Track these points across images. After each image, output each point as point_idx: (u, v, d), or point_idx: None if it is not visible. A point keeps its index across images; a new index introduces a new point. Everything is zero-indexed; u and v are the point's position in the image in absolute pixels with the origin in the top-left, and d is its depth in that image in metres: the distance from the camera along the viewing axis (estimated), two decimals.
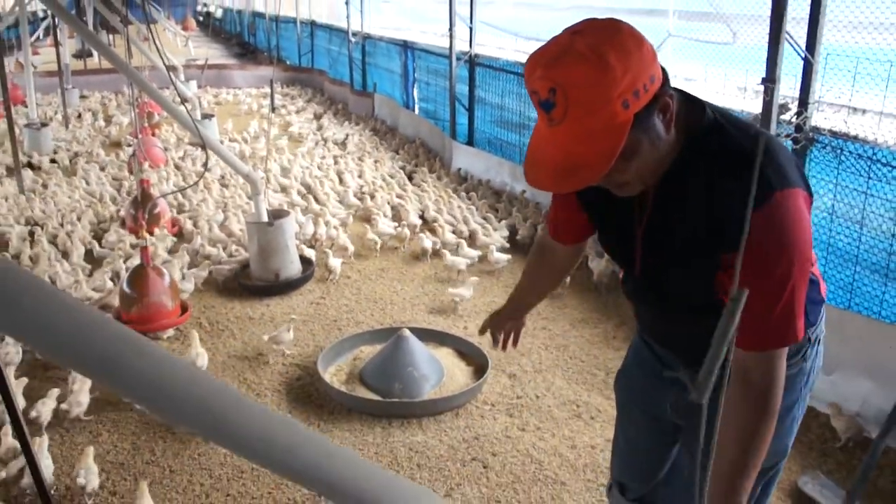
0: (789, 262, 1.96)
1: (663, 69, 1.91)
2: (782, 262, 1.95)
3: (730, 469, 2.06)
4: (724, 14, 6.97)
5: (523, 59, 10.48)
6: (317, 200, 9.69)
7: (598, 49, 1.77)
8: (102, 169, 11.82)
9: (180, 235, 8.63)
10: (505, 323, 3.15)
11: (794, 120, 5.50)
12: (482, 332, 3.25)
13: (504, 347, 3.19)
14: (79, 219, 9.05)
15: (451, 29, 11.42)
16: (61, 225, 8.90)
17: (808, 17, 5.44)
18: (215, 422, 1.19)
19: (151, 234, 6.80)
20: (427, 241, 7.98)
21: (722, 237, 2.01)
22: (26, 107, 14.32)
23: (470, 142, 11.66)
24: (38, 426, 4.87)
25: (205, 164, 7.13)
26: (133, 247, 7.97)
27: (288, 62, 25.16)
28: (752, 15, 6.50)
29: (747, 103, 6.66)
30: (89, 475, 4.35)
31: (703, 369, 1.56)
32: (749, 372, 2.06)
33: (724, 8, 6.93)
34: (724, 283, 2.08)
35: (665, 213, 2.15)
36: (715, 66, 7.36)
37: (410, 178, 11.05)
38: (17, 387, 5.08)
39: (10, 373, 5.06)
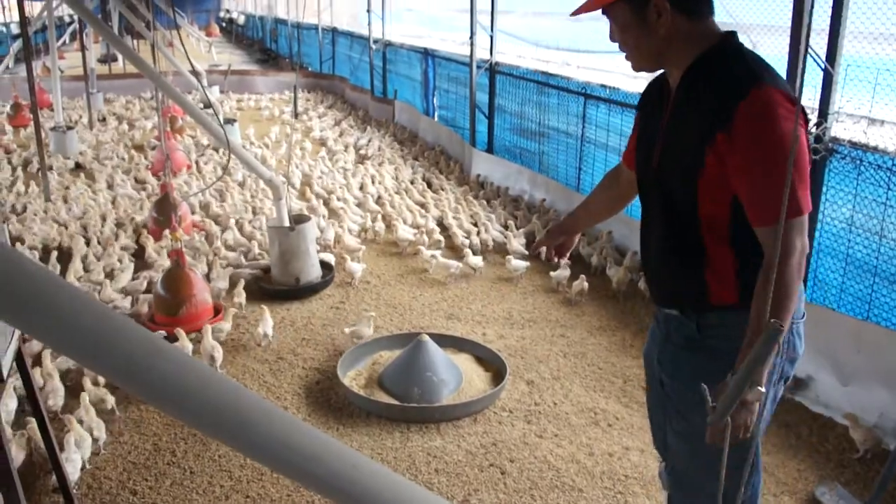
0: (777, 137, 2.35)
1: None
2: (771, 139, 2.36)
3: (755, 306, 2.43)
4: (743, 24, 6.98)
5: (543, 67, 10.55)
6: (330, 206, 9.75)
7: None
8: (126, 172, 11.93)
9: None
10: (558, 237, 3.41)
11: (813, 131, 5.51)
12: (535, 249, 3.51)
13: (550, 258, 3.49)
14: (103, 221, 9.17)
15: (471, 37, 11.48)
16: (84, 227, 9.03)
17: (828, 28, 5.45)
18: (237, 429, 1.22)
19: (175, 237, 6.87)
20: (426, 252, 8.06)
21: (718, 116, 2.43)
22: (52, 110, 14.47)
23: (489, 149, 11.70)
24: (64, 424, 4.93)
25: (225, 167, 7.21)
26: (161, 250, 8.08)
27: (309, 68, 25.29)
28: (770, 25, 6.51)
29: None
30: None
31: (728, 392, 1.61)
32: (764, 246, 2.46)
33: (743, 18, 6.94)
34: (709, 171, 2.49)
35: (679, 106, 2.63)
36: None
37: (430, 185, 11.10)
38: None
39: (35, 373, 5.13)
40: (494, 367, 5.86)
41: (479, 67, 11.65)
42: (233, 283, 7.27)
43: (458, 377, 5.56)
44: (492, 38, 11.33)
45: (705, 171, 2.50)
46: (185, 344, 5.98)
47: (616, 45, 2.68)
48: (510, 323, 6.74)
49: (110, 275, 7.50)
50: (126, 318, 1.17)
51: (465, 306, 7.09)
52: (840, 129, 5.62)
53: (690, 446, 2.85)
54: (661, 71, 2.77)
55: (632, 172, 3.04)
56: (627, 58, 2.69)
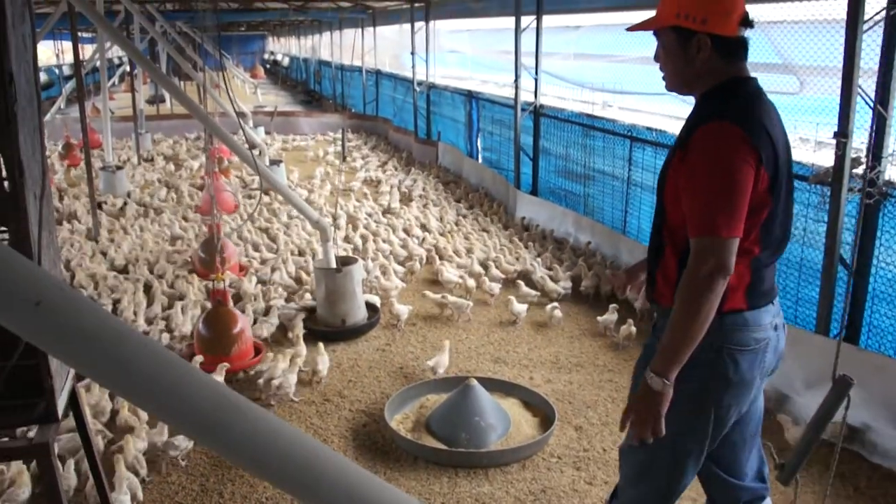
0: (712, 165, 2.68)
1: (735, 40, 2.83)
2: (706, 165, 2.69)
3: (668, 331, 2.75)
4: (793, 64, 6.94)
5: (584, 108, 10.55)
6: (375, 248, 9.79)
7: None
8: (174, 212, 12.10)
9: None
10: (639, 274, 3.58)
11: (867, 175, 5.44)
12: (618, 286, 3.84)
13: (623, 292, 3.91)
14: (151, 261, 9.30)
15: (516, 80, 11.55)
16: (132, 266, 9.15)
17: (878, 69, 5.40)
18: (315, 485, 1.21)
19: (223, 276, 6.92)
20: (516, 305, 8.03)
21: (684, 137, 2.82)
22: (102, 150, 14.74)
23: (534, 191, 11.71)
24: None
25: (258, 203, 7.26)
26: (206, 289, 8.16)
27: (353, 109, 25.56)
28: (821, 66, 6.46)
29: (807, 154, 6.62)
30: None
31: (798, 449, 1.57)
32: (690, 257, 2.72)
33: (794, 58, 6.89)
34: (669, 183, 2.88)
35: (683, 129, 2.93)
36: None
37: (475, 228, 11.10)
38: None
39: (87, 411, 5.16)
40: (542, 412, 5.80)
41: (523, 110, 11.70)
42: (281, 323, 7.31)
43: (505, 422, 5.51)
44: (536, 80, 11.39)
45: (666, 187, 2.91)
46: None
47: (658, 65, 3.00)
48: (557, 367, 6.68)
49: (155, 312, 7.58)
50: (201, 372, 1.17)
51: (511, 350, 7.05)
52: (894, 172, 5.56)
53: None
54: None
55: None
56: (664, 77, 3.01)
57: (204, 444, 1.19)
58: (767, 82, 7.40)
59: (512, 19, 11.74)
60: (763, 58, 7.39)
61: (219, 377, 5.92)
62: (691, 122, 2.85)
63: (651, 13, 2.94)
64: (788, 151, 2.88)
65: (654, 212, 3.10)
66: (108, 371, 1.09)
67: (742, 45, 2.87)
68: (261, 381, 6.07)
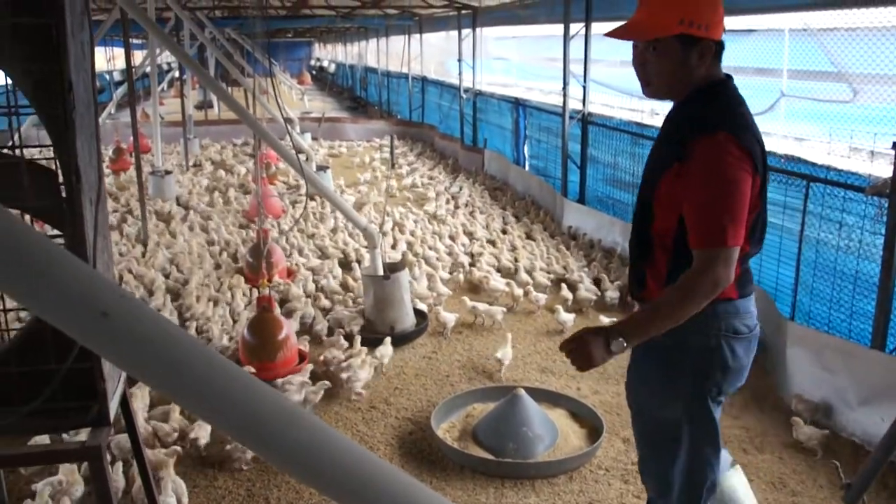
0: (719, 180, 2.76)
1: (721, 44, 2.92)
2: (713, 180, 2.77)
3: (651, 304, 2.92)
4: (847, 73, 6.81)
5: (637, 118, 10.46)
6: (422, 255, 9.78)
7: None
8: (221, 217, 12.21)
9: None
10: None
11: None
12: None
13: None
14: (199, 265, 9.38)
15: (564, 88, 11.50)
16: (180, 270, 9.24)
17: None
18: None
19: (270, 282, 6.97)
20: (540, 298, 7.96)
21: (679, 148, 2.85)
22: (152, 155, 14.93)
23: (581, 199, 11.63)
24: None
25: (303, 211, 7.29)
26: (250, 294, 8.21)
27: (398, 116, 25.64)
28: (875, 74, 6.34)
29: (862, 164, 6.50)
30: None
31: (863, 473, 1.52)
32: (694, 261, 2.80)
33: (847, 66, 6.76)
34: (663, 191, 2.93)
35: (663, 133, 3.10)
36: (830, 125, 7.20)
37: (527, 236, 11.06)
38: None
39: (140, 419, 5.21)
40: (590, 424, 5.74)
41: (571, 118, 11.63)
42: (331, 329, 7.35)
43: (553, 433, 5.46)
44: (585, 88, 11.32)
45: (658, 192, 2.96)
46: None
47: (636, 70, 3.05)
48: (605, 378, 6.61)
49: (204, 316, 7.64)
50: (258, 381, 1.15)
51: (558, 359, 6.98)
52: None
53: (642, 438, 3.38)
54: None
55: None
56: (647, 84, 3.04)
57: (263, 455, 1.17)
58: (819, 90, 7.32)
59: (558, 26, 11.70)
60: (815, 65, 7.28)
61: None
62: (683, 131, 2.90)
63: None
64: (763, 144, 2.97)
65: (635, 210, 3.19)
66: (178, 384, 1.08)
67: (723, 49, 2.99)
68: (332, 367, 6.31)
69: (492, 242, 10.51)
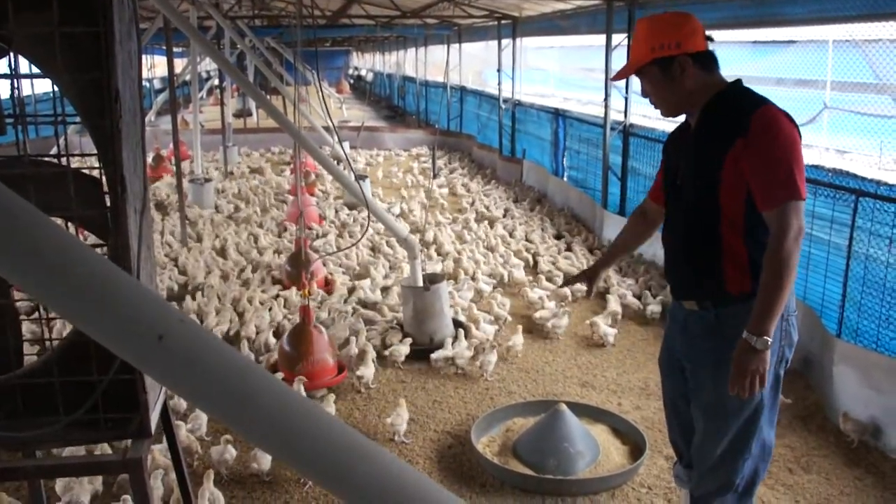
0: (782, 139, 3.06)
1: (707, 53, 3.28)
2: (778, 140, 3.06)
3: (762, 293, 3.06)
4: (890, 85, 6.68)
5: (663, 126, 10.33)
6: (461, 266, 9.72)
7: (653, 20, 3.35)
8: (260, 225, 12.23)
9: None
10: (583, 279, 4.17)
11: None
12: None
13: (588, 295, 4.21)
14: (240, 272, 9.41)
15: (606, 99, 11.39)
16: (222, 276, 9.27)
17: None
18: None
19: (310, 293, 6.94)
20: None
21: (736, 128, 3.13)
22: (192, 162, 15.01)
23: (621, 212, 11.49)
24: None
25: (366, 226, 7.27)
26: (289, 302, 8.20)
27: (436, 126, 25.62)
28: None
29: None
30: None
31: None
32: (770, 226, 3.07)
33: (890, 78, 6.64)
34: (728, 171, 3.17)
35: (700, 134, 3.34)
36: (878, 138, 7.09)
37: (568, 248, 10.96)
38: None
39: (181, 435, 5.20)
40: (632, 440, 5.63)
41: (612, 129, 11.53)
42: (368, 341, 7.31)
43: (595, 449, 5.36)
44: (626, 99, 11.22)
45: (723, 175, 3.18)
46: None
47: (649, 99, 3.45)
48: (647, 393, 6.49)
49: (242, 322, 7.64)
50: (323, 410, 1.10)
51: (599, 374, 6.88)
52: None
53: (707, 421, 3.51)
54: (683, 118, 3.51)
55: (655, 204, 3.84)
56: (657, 107, 3.45)
57: (327, 487, 1.12)
58: (861, 102, 7.19)
59: (599, 37, 11.60)
60: (858, 76, 7.16)
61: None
62: (732, 116, 3.19)
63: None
64: None
65: (688, 221, 3.42)
66: (232, 409, 1.02)
67: (714, 57, 3.31)
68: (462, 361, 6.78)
69: (534, 255, 10.44)
